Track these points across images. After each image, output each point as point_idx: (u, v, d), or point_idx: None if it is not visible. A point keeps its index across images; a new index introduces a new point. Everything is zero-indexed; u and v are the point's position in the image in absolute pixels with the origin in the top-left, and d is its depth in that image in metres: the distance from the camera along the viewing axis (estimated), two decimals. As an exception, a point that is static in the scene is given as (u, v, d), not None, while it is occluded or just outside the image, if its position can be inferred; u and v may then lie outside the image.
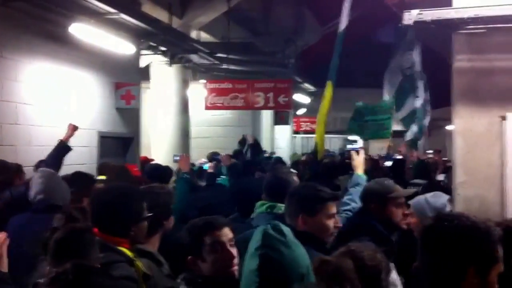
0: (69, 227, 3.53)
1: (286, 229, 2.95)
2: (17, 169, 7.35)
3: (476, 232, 2.63)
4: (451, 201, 5.24)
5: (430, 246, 2.69)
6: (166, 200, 4.35)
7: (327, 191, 4.04)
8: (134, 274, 3.48)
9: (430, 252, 2.68)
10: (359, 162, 5.91)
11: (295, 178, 5.07)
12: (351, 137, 24.61)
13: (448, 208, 5.04)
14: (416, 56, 10.65)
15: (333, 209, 4.00)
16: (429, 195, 5.16)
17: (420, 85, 10.92)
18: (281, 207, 4.44)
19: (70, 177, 6.82)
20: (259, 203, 4.72)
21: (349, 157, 6.40)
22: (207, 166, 10.77)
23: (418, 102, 10.83)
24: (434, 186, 7.96)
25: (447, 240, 2.63)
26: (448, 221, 2.69)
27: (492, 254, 2.63)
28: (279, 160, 13.36)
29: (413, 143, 11.53)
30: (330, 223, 3.94)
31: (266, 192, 4.81)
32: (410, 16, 5.70)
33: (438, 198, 5.11)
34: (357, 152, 6.03)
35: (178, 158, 9.19)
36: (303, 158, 16.49)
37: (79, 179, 6.61)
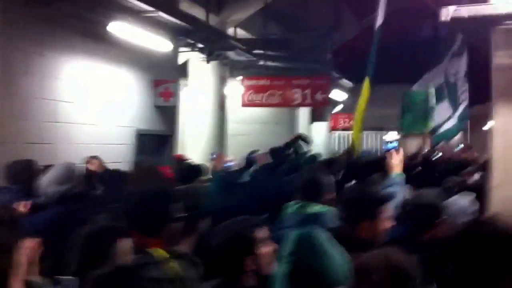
0: (97, 224, 3.56)
1: (322, 236, 2.90)
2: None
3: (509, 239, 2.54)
4: (474, 201, 5.08)
5: (464, 253, 2.60)
6: (201, 201, 4.34)
7: (381, 192, 4.02)
8: (167, 275, 3.31)
9: (463, 260, 2.59)
10: (398, 161, 5.75)
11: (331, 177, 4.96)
12: (388, 137, 24.33)
13: (472, 208, 4.94)
14: (463, 62, 10.53)
15: (390, 210, 3.94)
16: (454, 197, 5.12)
17: (463, 91, 10.83)
18: (314, 206, 4.48)
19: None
20: (291, 202, 4.69)
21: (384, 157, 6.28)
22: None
23: (454, 113, 10.78)
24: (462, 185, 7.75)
25: (482, 247, 2.53)
26: (483, 226, 2.62)
27: None
28: (314, 158, 13.21)
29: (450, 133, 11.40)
30: (388, 224, 3.89)
31: (300, 191, 4.78)
32: (447, 12, 5.64)
33: (461, 199, 5.05)
34: (397, 151, 5.89)
35: (215, 156, 9.13)
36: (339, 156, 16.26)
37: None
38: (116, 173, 7.46)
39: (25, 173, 5.82)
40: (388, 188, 5.32)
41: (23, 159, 6.38)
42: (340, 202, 4.04)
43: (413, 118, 11.59)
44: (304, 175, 5.09)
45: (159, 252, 3.35)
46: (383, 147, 18.28)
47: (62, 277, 3.21)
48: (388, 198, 3.95)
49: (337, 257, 2.85)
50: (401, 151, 5.89)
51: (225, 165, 11.34)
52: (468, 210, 4.90)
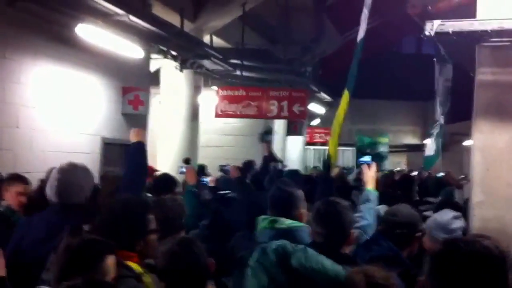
0: (82, 236, 3.45)
1: (292, 249, 2.96)
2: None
3: (489, 259, 2.57)
4: (457, 218, 5.10)
5: (440, 272, 2.62)
6: (177, 213, 4.32)
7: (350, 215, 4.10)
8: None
9: (440, 279, 2.61)
10: (370, 177, 5.73)
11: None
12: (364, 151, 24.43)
13: (454, 225, 4.98)
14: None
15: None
16: (436, 214, 5.20)
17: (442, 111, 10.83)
18: (284, 222, 4.38)
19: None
20: (261, 217, 4.57)
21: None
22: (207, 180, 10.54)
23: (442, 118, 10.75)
24: (446, 203, 7.69)
25: (458, 267, 2.57)
26: (459, 246, 2.63)
27: (504, 283, 2.55)
28: (294, 173, 12.96)
29: (431, 161, 11.38)
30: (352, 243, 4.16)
31: (270, 205, 4.65)
32: (432, 27, 5.58)
33: (443, 215, 5.09)
34: (369, 166, 5.86)
35: (184, 170, 8.81)
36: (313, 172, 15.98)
37: None
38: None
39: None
40: (362, 205, 5.41)
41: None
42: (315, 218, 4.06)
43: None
44: (274, 189, 4.89)
45: (134, 266, 3.54)
46: (357, 161, 18.44)
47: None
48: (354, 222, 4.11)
49: (323, 267, 2.93)
50: (373, 166, 5.89)
51: (202, 180, 11.06)
52: (450, 227, 4.95)
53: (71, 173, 4.80)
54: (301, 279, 2.90)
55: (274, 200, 4.66)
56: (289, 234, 4.17)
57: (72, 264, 3.11)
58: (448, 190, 9.97)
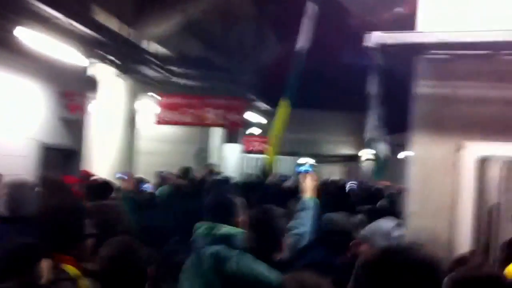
0: (17, 241, 3.50)
1: (225, 254, 3.06)
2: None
3: (420, 267, 2.58)
4: (399, 225, 5.12)
5: (371, 280, 2.64)
6: (114, 219, 4.28)
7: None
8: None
9: (376, 284, 2.62)
10: (308, 186, 5.76)
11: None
12: (301, 160, 24.59)
13: (396, 233, 4.96)
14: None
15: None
16: (375, 222, 5.13)
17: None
18: (221, 228, 4.37)
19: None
20: (198, 224, 4.58)
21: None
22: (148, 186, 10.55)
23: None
24: (378, 211, 7.81)
25: (390, 275, 2.57)
26: (391, 254, 2.68)
27: None
28: (226, 180, 13.06)
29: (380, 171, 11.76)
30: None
31: (207, 212, 4.66)
32: (372, 38, 5.58)
33: (383, 223, 5.05)
34: (309, 175, 5.90)
35: (121, 176, 8.81)
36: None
37: None
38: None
39: None
40: (300, 212, 5.41)
41: None
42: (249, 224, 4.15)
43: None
44: (211, 197, 4.96)
45: (70, 269, 3.54)
46: (295, 170, 18.57)
47: None
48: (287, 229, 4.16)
49: (257, 271, 3.06)
50: (314, 175, 5.93)
51: (142, 187, 11.06)
52: (392, 234, 4.92)
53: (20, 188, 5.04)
54: (235, 284, 2.98)
55: (212, 207, 4.69)
56: (226, 240, 4.20)
57: (7, 267, 3.13)
58: (389, 196, 10.09)
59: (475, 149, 5.62)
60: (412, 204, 5.85)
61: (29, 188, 5.21)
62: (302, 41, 10.65)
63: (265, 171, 11.15)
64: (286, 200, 9.47)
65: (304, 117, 29.01)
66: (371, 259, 2.71)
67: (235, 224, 4.49)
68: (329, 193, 10.51)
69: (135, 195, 8.18)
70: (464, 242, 5.55)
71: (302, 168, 6.13)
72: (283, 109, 10.67)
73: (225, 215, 4.51)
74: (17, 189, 5.10)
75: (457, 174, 5.67)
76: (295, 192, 10.01)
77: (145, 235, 5.04)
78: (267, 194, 9.82)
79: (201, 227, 4.53)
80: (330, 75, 29.32)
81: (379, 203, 9.95)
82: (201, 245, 4.29)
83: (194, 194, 8.99)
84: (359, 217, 7.60)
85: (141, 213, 7.50)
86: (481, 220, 5.63)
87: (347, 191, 11.42)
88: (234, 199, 4.76)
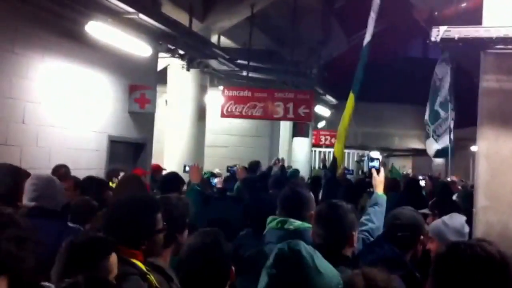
0: (86, 234, 3.52)
1: (307, 252, 2.84)
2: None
3: (491, 264, 2.56)
4: (466, 222, 5.14)
5: (442, 275, 2.64)
6: (182, 212, 4.23)
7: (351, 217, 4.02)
8: (146, 288, 3.47)
9: (442, 281, 2.63)
10: (379, 181, 5.71)
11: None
12: (373, 154, 24.43)
13: (466, 229, 5.02)
14: (448, 71, 10.62)
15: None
16: (446, 217, 5.13)
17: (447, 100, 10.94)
18: (293, 222, 4.44)
19: (83, 182, 6.99)
20: (270, 218, 4.62)
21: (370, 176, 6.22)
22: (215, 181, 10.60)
23: (446, 114, 10.93)
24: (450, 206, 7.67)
25: (460, 269, 2.58)
26: (461, 250, 2.64)
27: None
28: (296, 173, 12.99)
29: (443, 153, 11.58)
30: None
31: (280, 206, 4.68)
32: (438, 33, 5.65)
33: (455, 219, 5.07)
34: (378, 170, 5.82)
35: (189, 168, 8.84)
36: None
37: (92, 184, 6.72)
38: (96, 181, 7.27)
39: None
40: (370, 208, 5.40)
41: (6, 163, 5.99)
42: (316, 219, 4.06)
43: None
44: (285, 190, 4.94)
45: (139, 264, 3.53)
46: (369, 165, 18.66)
47: (46, 283, 3.07)
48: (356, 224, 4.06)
49: (321, 275, 2.82)
50: (382, 171, 5.86)
51: (212, 181, 11.12)
52: (463, 231, 4.98)
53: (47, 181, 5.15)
54: (310, 281, 2.79)
55: (285, 201, 4.69)
56: (298, 235, 4.13)
57: (75, 262, 3.11)
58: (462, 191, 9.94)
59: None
60: (482, 199, 5.86)
61: (55, 182, 5.22)
62: (369, 34, 10.58)
63: (334, 165, 11.06)
64: (356, 195, 9.40)
65: (372, 111, 28.80)
66: (443, 253, 2.71)
67: (307, 219, 4.49)
68: (405, 188, 10.41)
69: (202, 188, 8.14)
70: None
71: (374, 164, 6.02)
72: (350, 103, 10.62)
73: (298, 209, 4.53)
74: (44, 184, 5.11)
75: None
76: (365, 187, 9.93)
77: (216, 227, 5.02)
78: (336, 189, 9.75)
79: (273, 221, 4.55)
80: (399, 69, 29.03)
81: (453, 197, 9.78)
82: (272, 239, 4.32)
83: (263, 188, 8.97)
84: (430, 212, 7.50)
85: (208, 206, 7.57)
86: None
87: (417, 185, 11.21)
88: (306, 193, 4.75)
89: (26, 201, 5.06)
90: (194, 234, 3.57)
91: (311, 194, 4.79)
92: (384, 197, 5.59)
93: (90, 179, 7.13)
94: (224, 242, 3.48)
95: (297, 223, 4.44)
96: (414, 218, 4.76)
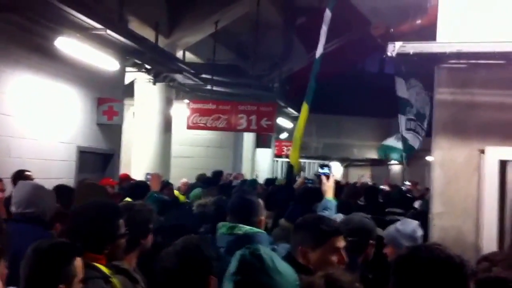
0: (50, 239, 3.55)
1: (267, 255, 2.88)
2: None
3: (450, 264, 2.65)
4: (419, 226, 5.28)
5: (402, 277, 2.71)
6: (145, 218, 4.33)
7: (330, 224, 3.96)
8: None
9: (403, 282, 2.69)
10: (329, 187, 5.97)
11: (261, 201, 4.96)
12: (333, 165, 24.75)
13: (419, 233, 5.15)
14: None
15: (338, 243, 3.88)
16: (398, 224, 5.28)
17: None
18: (242, 228, 4.50)
19: (54, 190, 6.83)
20: (220, 224, 4.70)
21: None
22: None
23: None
24: (419, 214, 7.90)
25: (420, 271, 2.64)
26: (422, 252, 2.72)
27: None
28: (254, 183, 13.30)
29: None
30: (333, 258, 3.82)
31: (230, 212, 4.78)
32: (393, 48, 5.76)
33: (407, 225, 5.22)
34: (327, 177, 6.07)
35: (150, 177, 9.16)
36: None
37: (62, 192, 6.60)
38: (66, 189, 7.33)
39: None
40: (321, 212, 5.52)
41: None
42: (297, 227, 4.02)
43: None
44: (234, 197, 5.12)
45: (102, 268, 3.61)
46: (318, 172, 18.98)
47: None
48: (335, 232, 3.91)
49: (282, 278, 2.84)
50: (332, 177, 6.08)
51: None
52: (415, 235, 5.11)
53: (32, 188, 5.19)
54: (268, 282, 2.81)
55: (234, 208, 4.80)
56: (247, 239, 4.29)
57: (40, 267, 3.17)
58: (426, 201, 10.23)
59: (496, 153, 5.81)
60: (437, 205, 6.02)
61: (41, 190, 5.23)
62: (321, 46, 10.86)
63: (289, 173, 11.31)
64: (311, 201, 9.70)
65: (333, 123, 29.31)
66: (402, 256, 2.79)
67: (256, 224, 4.62)
68: (365, 195, 10.69)
69: (159, 195, 8.30)
70: (489, 242, 5.69)
71: (323, 171, 6.27)
72: (304, 112, 10.86)
73: (247, 215, 4.62)
74: (28, 189, 5.16)
75: (481, 176, 5.85)
76: (319, 193, 10.22)
77: (168, 234, 5.17)
78: (291, 196, 9.99)
79: (222, 227, 4.65)
80: (357, 82, 29.50)
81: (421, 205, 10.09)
82: (222, 244, 4.40)
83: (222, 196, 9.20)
84: (388, 218, 7.80)
85: (166, 213, 7.60)
86: (505, 220, 5.79)
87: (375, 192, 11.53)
88: (255, 199, 4.86)
89: (11, 207, 5.14)
90: (181, 238, 3.48)
91: (260, 200, 4.86)
92: (334, 202, 5.85)
93: (59, 188, 7.06)
94: (206, 248, 3.36)
95: (246, 228, 4.52)
96: (362, 223, 4.90)
